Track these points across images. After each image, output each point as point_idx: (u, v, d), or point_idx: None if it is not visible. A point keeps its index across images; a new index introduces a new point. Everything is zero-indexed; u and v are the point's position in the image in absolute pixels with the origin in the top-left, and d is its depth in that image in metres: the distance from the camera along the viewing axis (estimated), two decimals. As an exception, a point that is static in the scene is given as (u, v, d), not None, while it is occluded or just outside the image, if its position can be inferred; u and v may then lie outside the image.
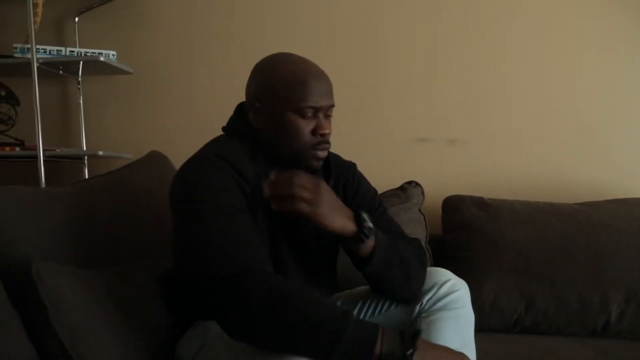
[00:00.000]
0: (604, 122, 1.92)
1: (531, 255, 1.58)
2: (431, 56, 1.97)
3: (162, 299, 1.18)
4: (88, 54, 1.87)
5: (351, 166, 1.25)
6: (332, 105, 1.07)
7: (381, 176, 1.67)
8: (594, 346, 1.41)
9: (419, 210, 1.76)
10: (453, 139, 1.97)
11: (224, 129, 1.16)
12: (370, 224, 1.00)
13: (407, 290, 1.10)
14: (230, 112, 2.00)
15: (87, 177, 1.96)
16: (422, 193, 1.79)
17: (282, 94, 1.03)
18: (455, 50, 1.96)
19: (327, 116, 1.07)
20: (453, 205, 1.78)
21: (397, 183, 1.80)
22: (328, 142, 1.07)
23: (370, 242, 1.00)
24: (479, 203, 1.74)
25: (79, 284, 1.01)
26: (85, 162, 1.99)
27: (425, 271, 1.13)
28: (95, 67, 1.92)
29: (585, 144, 1.93)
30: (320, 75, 1.05)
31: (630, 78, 1.91)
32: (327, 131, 1.04)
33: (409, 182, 1.80)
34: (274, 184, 0.94)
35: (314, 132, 1.04)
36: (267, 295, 0.86)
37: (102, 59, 1.84)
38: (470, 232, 1.68)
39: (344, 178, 1.21)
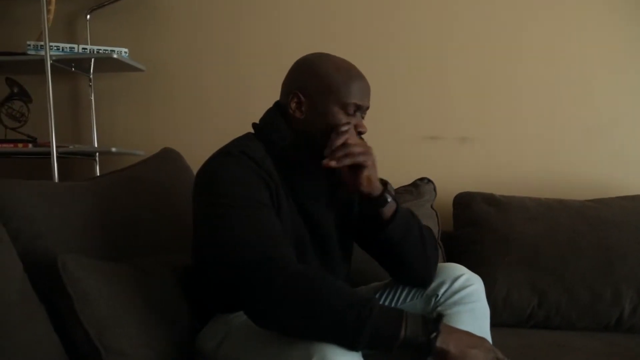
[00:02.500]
0: (613, 120, 1.93)
1: (542, 251, 1.59)
2: (442, 55, 1.98)
3: (181, 293, 1.19)
4: (100, 51, 1.88)
5: None
6: (368, 107, 1.13)
7: (393, 173, 1.69)
8: (605, 340, 1.43)
9: (431, 206, 1.77)
10: (464, 136, 1.98)
11: (255, 125, 1.16)
12: (393, 192, 1.07)
13: (425, 265, 1.14)
14: (241, 109, 2.03)
15: (98, 173, 1.97)
16: (434, 190, 1.80)
17: (330, 87, 1.07)
18: (466, 50, 1.97)
19: (362, 117, 1.12)
20: (464, 201, 1.79)
21: (409, 180, 1.82)
22: (362, 140, 1.12)
23: (392, 204, 1.09)
24: (489, 199, 1.75)
25: (103, 276, 1.03)
26: (97, 158, 2.00)
27: (437, 253, 1.20)
28: (107, 64, 1.93)
29: (594, 141, 1.94)
30: (363, 77, 1.11)
31: (637, 77, 1.92)
32: (364, 130, 1.10)
33: (421, 179, 1.81)
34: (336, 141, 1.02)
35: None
36: (291, 282, 0.88)
37: (114, 56, 1.84)
38: (481, 228, 1.69)
39: None
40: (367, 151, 1.03)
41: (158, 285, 1.15)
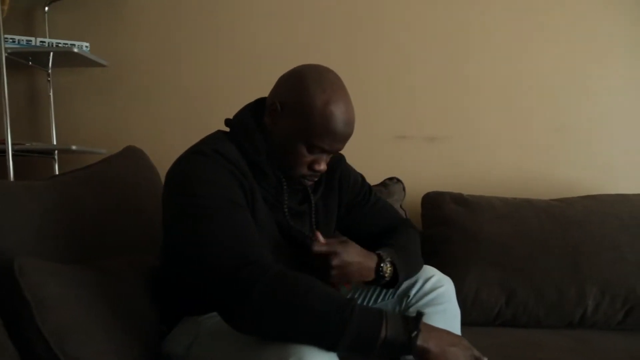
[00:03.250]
0: (577, 121, 1.98)
1: (510, 250, 1.61)
2: (410, 55, 1.98)
3: (148, 295, 1.15)
4: (60, 45, 1.80)
5: (342, 157, 1.26)
6: (340, 150, 1.08)
7: (363, 172, 1.68)
8: (573, 336, 1.46)
9: (401, 206, 1.77)
10: (431, 136, 1.99)
11: (228, 123, 1.12)
12: (387, 271, 1.08)
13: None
14: (206, 108, 1.99)
15: (57, 172, 1.89)
16: (404, 189, 1.80)
17: (303, 121, 1.01)
18: (434, 50, 1.98)
19: (330, 154, 1.08)
20: (433, 201, 1.79)
21: (379, 179, 1.81)
22: (318, 176, 1.09)
23: (388, 273, 1.09)
24: (458, 199, 1.76)
25: (64, 280, 0.97)
26: (56, 157, 1.91)
27: (420, 253, 1.24)
28: (67, 58, 1.85)
29: (559, 142, 1.98)
30: (348, 123, 1.03)
31: (602, 79, 1.97)
32: (318, 169, 1.06)
33: (391, 178, 1.81)
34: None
35: (310, 164, 1.05)
36: (271, 285, 0.85)
37: (75, 50, 1.77)
38: (451, 228, 1.69)
39: (339, 171, 1.23)
40: (325, 267, 1.01)
41: (123, 288, 1.10)
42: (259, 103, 1.13)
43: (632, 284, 1.57)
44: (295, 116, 1.02)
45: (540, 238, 1.62)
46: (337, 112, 1.00)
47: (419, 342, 0.84)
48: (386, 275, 1.08)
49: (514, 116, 1.98)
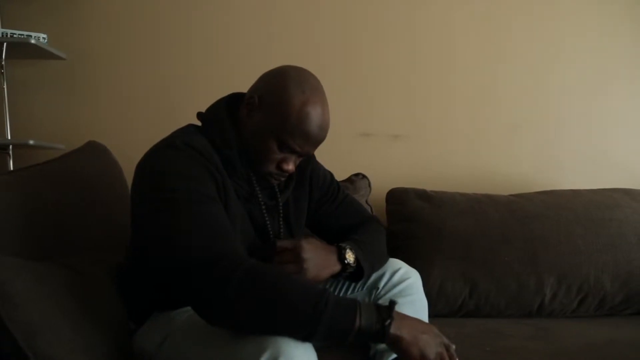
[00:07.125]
0: (532, 121, 2.06)
1: (473, 244, 1.66)
2: (374, 55, 2.01)
3: (114, 292, 1.13)
4: (15, 36, 1.73)
5: (312, 155, 1.26)
6: (310, 154, 1.09)
7: (329, 168, 1.70)
8: (533, 325, 1.52)
9: (366, 201, 1.79)
10: (395, 134, 2.03)
11: (200, 117, 1.11)
12: (351, 258, 1.10)
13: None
14: (169, 102, 1.95)
15: (12, 168, 1.81)
16: (369, 185, 1.83)
17: (278, 118, 1.01)
18: (397, 50, 2.02)
19: (301, 156, 1.08)
20: (397, 197, 1.83)
21: (344, 175, 1.83)
22: (285, 176, 1.10)
23: (352, 261, 1.10)
24: (422, 195, 1.80)
25: (31, 277, 0.94)
26: (10, 152, 1.83)
27: (385, 248, 1.26)
28: (23, 50, 1.78)
29: (515, 140, 2.06)
30: (322, 127, 1.04)
31: (555, 79, 2.06)
32: (287, 169, 1.06)
33: (356, 174, 1.83)
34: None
35: (279, 163, 1.06)
36: (244, 279, 0.85)
37: (32, 41, 1.70)
38: (416, 223, 1.73)
39: (309, 168, 1.24)
40: (297, 261, 1.03)
41: (91, 285, 1.08)
42: (233, 97, 1.13)
43: (585, 274, 1.65)
44: (271, 111, 1.02)
45: (500, 232, 1.68)
46: (313, 114, 1.02)
47: (392, 330, 0.87)
48: (351, 262, 1.09)
49: (473, 115, 2.05)
